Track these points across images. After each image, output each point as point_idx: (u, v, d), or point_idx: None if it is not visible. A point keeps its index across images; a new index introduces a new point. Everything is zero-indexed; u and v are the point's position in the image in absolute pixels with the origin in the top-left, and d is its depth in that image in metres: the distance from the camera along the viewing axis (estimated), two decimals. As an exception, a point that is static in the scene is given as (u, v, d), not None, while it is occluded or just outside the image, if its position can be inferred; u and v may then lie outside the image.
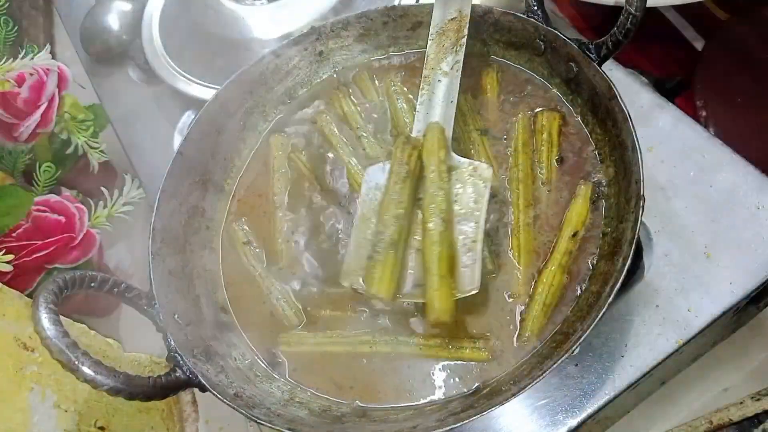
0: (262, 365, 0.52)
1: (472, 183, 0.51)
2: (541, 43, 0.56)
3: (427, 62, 0.56)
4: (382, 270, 0.48)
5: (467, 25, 0.55)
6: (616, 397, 0.51)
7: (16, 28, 0.99)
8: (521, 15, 0.56)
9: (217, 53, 0.75)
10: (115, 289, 0.47)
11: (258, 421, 0.45)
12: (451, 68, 0.55)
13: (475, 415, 0.42)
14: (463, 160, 0.52)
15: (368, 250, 0.50)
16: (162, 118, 0.83)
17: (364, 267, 0.50)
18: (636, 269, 0.55)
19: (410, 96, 0.61)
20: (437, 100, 0.54)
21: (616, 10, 0.50)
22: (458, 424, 0.42)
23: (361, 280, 0.50)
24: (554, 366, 0.41)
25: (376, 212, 0.51)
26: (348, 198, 0.58)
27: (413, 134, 0.54)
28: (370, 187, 0.53)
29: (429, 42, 0.57)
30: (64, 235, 0.81)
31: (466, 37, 0.55)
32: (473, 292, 0.48)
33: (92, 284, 0.45)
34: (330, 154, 0.61)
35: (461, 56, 0.55)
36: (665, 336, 0.52)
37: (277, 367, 0.52)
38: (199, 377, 0.46)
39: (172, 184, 0.56)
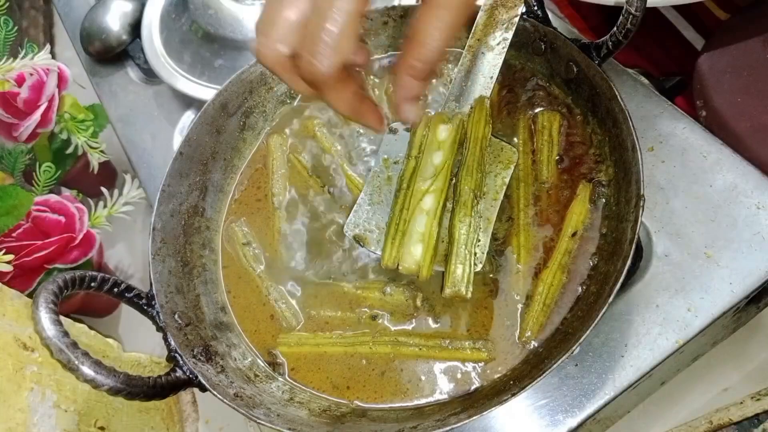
0: (262, 365, 0.52)
1: (496, 163, 0.53)
2: (541, 43, 0.56)
3: (475, 31, 0.55)
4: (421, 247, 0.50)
5: (522, 4, 0.54)
6: (616, 397, 0.51)
7: (16, 28, 0.99)
8: (521, 15, 0.56)
9: (217, 53, 0.75)
10: (115, 289, 0.47)
11: (258, 421, 0.45)
12: (498, 44, 0.54)
13: (475, 415, 0.42)
14: (492, 139, 0.53)
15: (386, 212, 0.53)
16: (162, 118, 0.83)
17: (369, 220, 0.53)
18: (636, 269, 0.55)
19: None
20: (478, 73, 0.54)
21: (616, 10, 0.50)
22: (458, 424, 0.42)
23: (367, 234, 0.53)
24: (554, 366, 0.41)
25: (400, 176, 0.53)
26: (347, 199, 0.58)
27: (450, 98, 0.54)
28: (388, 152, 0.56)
29: (480, 12, 0.56)
30: (64, 235, 0.82)
31: (519, 17, 0.54)
32: (478, 268, 0.49)
33: (92, 284, 0.45)
34: (328, 155, 0.61)
35: (510, 35, 0.54)
36: (665, 336, 0.52)
37: (277, 368, 0.52)
38: (199, 377, 0.46)
39: (172, 184, 0.56)
